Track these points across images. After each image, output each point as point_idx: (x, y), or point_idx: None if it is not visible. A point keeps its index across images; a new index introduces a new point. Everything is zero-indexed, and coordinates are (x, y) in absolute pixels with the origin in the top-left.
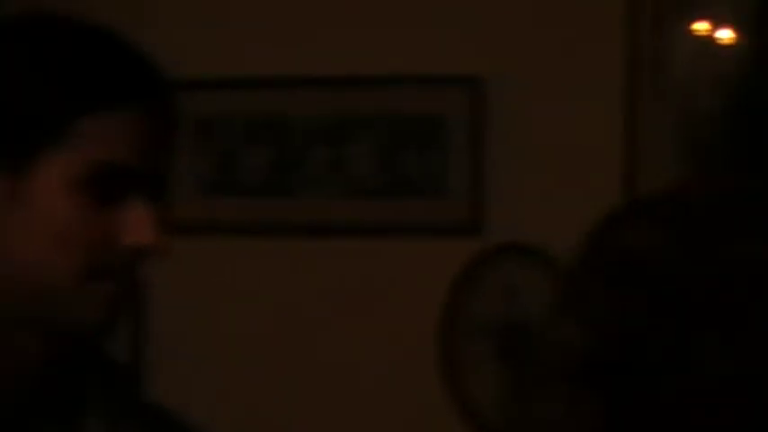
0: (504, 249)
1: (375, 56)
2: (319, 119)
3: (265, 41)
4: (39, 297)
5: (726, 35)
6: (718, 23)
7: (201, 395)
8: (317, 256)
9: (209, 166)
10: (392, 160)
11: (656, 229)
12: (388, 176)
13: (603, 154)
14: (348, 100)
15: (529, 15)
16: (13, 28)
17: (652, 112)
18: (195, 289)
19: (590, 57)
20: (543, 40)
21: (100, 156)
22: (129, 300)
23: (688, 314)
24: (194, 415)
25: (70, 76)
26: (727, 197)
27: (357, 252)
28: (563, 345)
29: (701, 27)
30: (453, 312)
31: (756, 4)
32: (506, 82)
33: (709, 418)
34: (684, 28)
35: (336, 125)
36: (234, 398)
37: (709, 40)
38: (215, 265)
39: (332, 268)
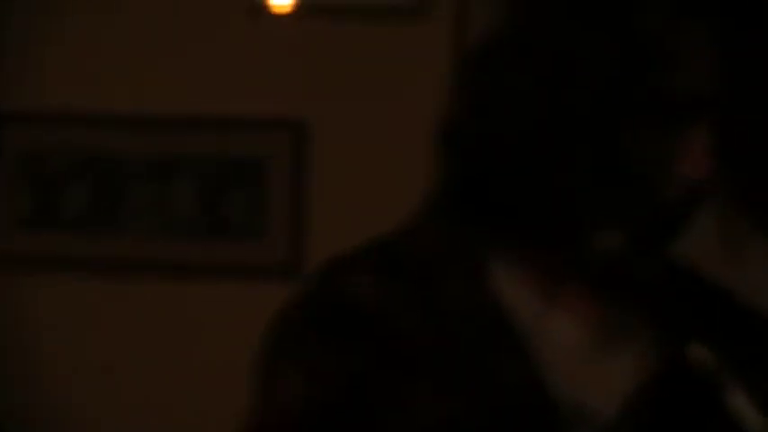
0: None
1: (199, 97)
2: (142, 157)
3: (90, 77)
4: None
5: None
6: None
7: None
8: (137, 294)
9: (30, 201)
10: (214, 201)
11: (371, 276)
12: (209, 217)
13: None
14: (171, 139)
15: (351, 60)
16: None
17: None
18: (11, 323)
19: (410, 99)
20: (365, 83)
21: None
22: None
23: (403, 362)
24: None
25: None
26: (441, 247)
27: (177, 291)
28: (285, 392)
29: None
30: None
31: None
32: (327, 125)
33: None
34: None
35: (159, 164)
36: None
37: None
38: (31, 300)
39: (150, 307)
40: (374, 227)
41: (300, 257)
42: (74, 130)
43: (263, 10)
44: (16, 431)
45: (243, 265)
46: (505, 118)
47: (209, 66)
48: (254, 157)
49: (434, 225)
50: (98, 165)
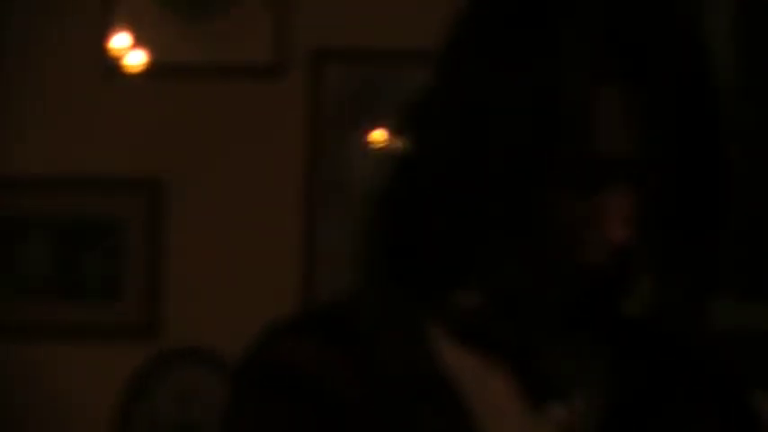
0: (180, 353)
1: (56, 156)
2: None
3: None
4: None
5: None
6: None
7: None
8: None
9: None
10: (69, 260)
11: (311, 340)
12: (63, 277)
13: (283, 259)
14: (27, 199)
15: (207, 118)
16: None
17: (331, 216)
18: None
19: (267, 156)
20: (223, 142)
21: None
22: None
23: (343, 426)
24: None
25: None
26: (380, 310)
27: (31, 353)
28: None
29: (378, 136)
30: (127, 416)
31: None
32: (185, 185)
33: None
34: (363, 136)
35: (14, 223)
36: None
37: (385, 149)
38: None
39: (2, 368)
40: (232, 287)
41: (157, 319)
42: None
43: (119, 70)
44: None
45: (98, 326)
46: (428, 175)
47: (66, 126)
48: (110, 216)
49: (372, 289)
50: None
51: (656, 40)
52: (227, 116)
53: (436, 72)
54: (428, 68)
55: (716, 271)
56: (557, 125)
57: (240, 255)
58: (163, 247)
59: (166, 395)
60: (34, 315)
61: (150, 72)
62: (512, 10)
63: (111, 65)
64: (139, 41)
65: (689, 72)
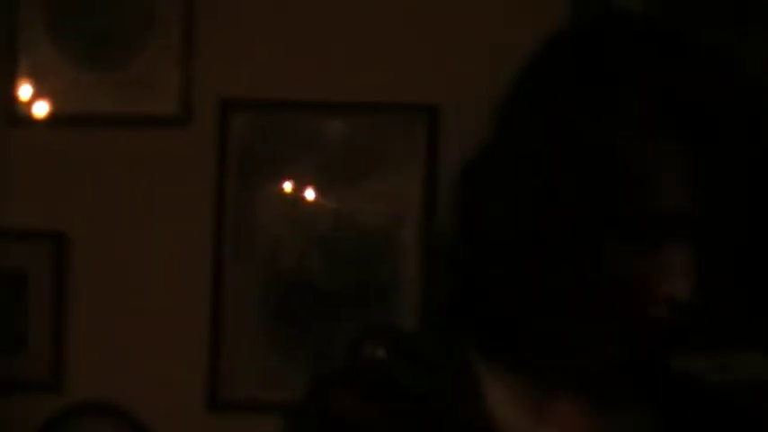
0: (85, 407)
1: None
2: None
3: None
4: None
5: (310, 195)
6: (302, 184)
7: None
8: None
9: None
10: None
11: (357, 391)
12: None
13: (189, 309)
14: None
15: (113, 168)
16: None
17: (238, 264)
18: None
19: (176, 209)
20: (129, 193)
21: None
22: None
23: None
24: None
25: None
26: (434, 365)
27: None
28: None
29: (287, 187)
30: None
31: None
32: (91, 237)
33: None
34: (271, 188)
35: None
36: None
37: (301, 203)
38: None
39: None
40: (138, 340)
41: (61, 373)
42: None
43: (24, 119)
44: None
45: (2, 379)
46: (492, 235)
47: None
48: (14, 268)
49: (427, 343)
50: None
51: (714, 97)
52: (133, 166)
53: (493, 129)
54: (330, 118)
55: None
56: (617, 183)
57: (146, 307)
58: (67, 301)
59: None
60: None
61: (54, 122)
62: (570, 68)
63: (18, 112)
64: (43, 92)
65: (747, 129)
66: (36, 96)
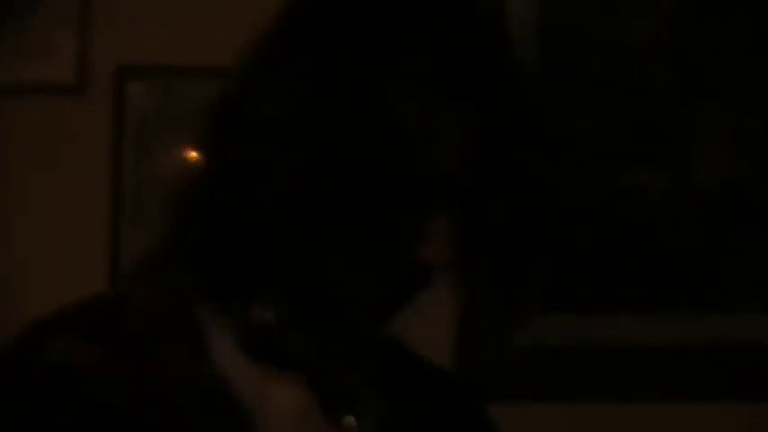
0: None
1: None
2: None
3: None
4: None
5: None
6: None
7: None
8: None
9: None
10: None
11: (79, 338)
12: None
13: (87, 279)
14: None
15: (9, 139)
16: None
17: (136, 233)
18: None
19: (73, 178)
20: (25, 162)
21: None
22: None
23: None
24: None
25: None
26: (159, 311)
27: None
28: None
29: (190, 156)
30: None
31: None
32: None
33: None
34: (173, 157)
35: None
36: None
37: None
38: None
39: None
40: (33, 305)
41: None
42: None
43: None
44: None
45: None
46: (251, 187)
47: None
48: None
49: (153, 287)
50: None
51: (492, 66)
52: (29, 135)
53: (250, 80)
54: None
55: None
56: (390, 140)
57: (42, 276)
58: None
59: None
60: None
61: None
62: (341, 23)
63: None
64: None
65: (522, 101)
66: None
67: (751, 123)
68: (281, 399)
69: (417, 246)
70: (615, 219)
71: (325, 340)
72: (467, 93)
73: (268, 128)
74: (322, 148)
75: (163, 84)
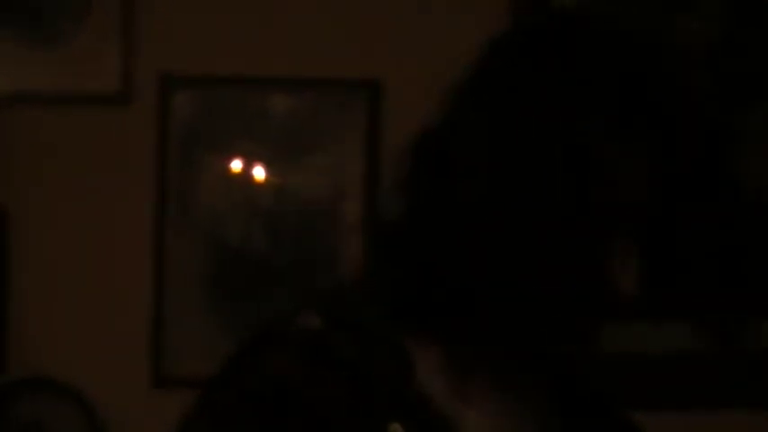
0: (27, 384)
1: None
2: None
3: None
4: None
5: (258, 173)
6: (245, 160)
7: None
8: None
9: None
10: None
11: (304, 363)
12: None
13: (132, 286)
14: None
15: (56, 147)
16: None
17: (181, 249)
18: None
19: (118, 187)
20: (71, 171)
21: None
22: None
23: None
24: None
25: None
26: (368, 335)
27: None
28: None
29: (234, 165)
30: None
31: None
32: (31, 215)
33: None
34: (213, 165)
35: None
36: None
37: (244, 178)
38: None
39: None
40: (81, 315)
41: (3, 348)
42: None
43: None
44: None
45: None
46: (444, 220)
47: None
48: None
49: (360, 313)
50: None
51: (674, 99)
52: (75, 144)
53: (451, 110)
54: (273, 93)
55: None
56: (576, 172)
57: (89, 284)
58: (8, 277)
59: (14, 428)
60: None
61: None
62: (534, 60)
63: None
64: None
65: (703, 132)
66: None
67: None
68: (479, 418)
69: (607, 274)
70: None
71: (522, 363)
72: (652, 123)
73: (472, 165)
74: (523, 182)
75: (207, 93)
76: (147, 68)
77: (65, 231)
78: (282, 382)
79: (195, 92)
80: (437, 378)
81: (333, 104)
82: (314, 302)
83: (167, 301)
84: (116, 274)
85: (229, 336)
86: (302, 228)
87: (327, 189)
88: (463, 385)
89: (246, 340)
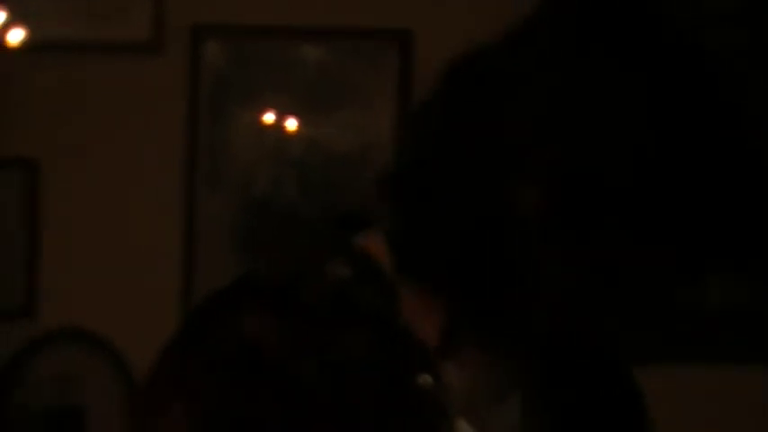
0: (58, 333)
1: None
2: None
3: None
4: None
5: (291, 124)
6: (283, 113)
7: None
8: None
9: None
10: None
11: (270, 317)
12: None
13: (162, 236)
14: None
15: (88, 95)
16: None
17: (211, 193)
18: None
19: (148, 136)
20: (103, 119)
21: None
22: None
23: (302, 414)
24: None
25: None
26: (335, 287)
27: None
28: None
29: (266, 118)
30: (4, 399)
31: None
32: (63, 163)
33: None
34: (243, 115)
35: None
36: None
37: (274, 130)
38: None
39: None
40: (111, 266)
41: (34, 298)
42: None
43: None
44: None
45: None
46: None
47: None
48: None
49: (340, 263)
50: None
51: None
52: (106, 93)
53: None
54: (304, 44)
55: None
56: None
57: (119, 233)
58: (39, 228)
59: (44, 377)
60: None
61: (28, 49)
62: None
63: None
64: (17, 18)
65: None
66: (10, 23)
67: None
68: (456, 374)
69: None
70: None
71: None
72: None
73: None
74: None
75: (238, 43)
76: (179, 17)
77: (95, 183)
78: (257, 342)
79: (226, 41)
80: (426, 324)
81: (364, 55)
82: (337, 249)
83: (197, 251)
84: (146, 225)
85: None
86: (331, 179)
87: (358, 141)
88: (448, 342)
89: (207, 299)
